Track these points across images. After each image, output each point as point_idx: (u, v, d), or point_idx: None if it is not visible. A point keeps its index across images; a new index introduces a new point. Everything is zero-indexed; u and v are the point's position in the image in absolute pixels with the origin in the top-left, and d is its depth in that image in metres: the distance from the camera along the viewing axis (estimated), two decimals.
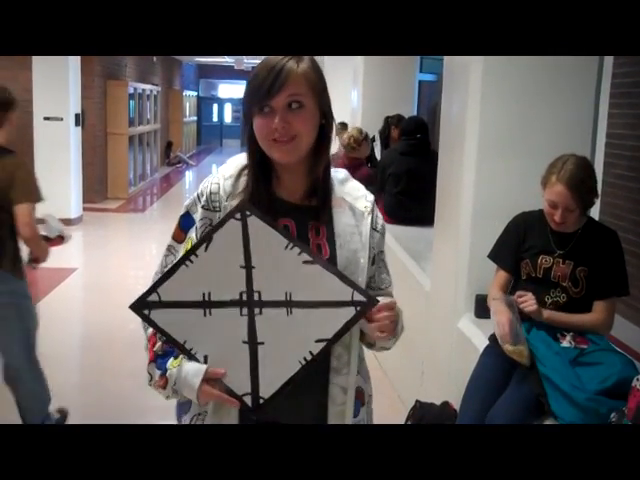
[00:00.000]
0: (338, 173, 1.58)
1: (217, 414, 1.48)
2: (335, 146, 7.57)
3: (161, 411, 1.53)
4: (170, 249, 1.54)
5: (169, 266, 1.48)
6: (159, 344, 1.48)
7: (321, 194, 1.51)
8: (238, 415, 1.46)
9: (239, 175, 1.50)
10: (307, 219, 1.50)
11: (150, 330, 1.50)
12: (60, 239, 3.37)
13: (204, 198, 1.49)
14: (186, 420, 1.55)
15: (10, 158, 3.15)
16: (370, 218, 1.55)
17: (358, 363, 1.54)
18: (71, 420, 3.62)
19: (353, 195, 1.56)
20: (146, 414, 3.74)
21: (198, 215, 1.50)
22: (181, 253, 1.49)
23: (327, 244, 1.50)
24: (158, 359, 1.48)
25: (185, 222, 1.52)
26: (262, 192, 1.48)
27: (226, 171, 1.52)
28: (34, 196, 3.14)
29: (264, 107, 1.42)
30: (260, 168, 1.49)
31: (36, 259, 3.22)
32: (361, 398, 1.58)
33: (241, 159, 1.53)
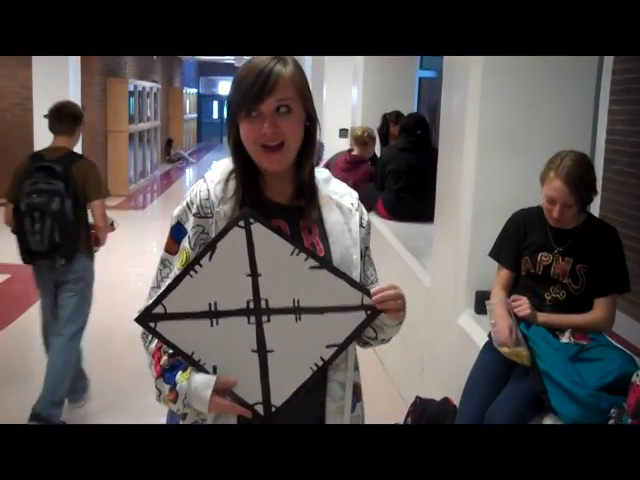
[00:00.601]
0: (320, 173, 1.59)
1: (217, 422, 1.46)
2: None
3: (162, 408, 1.53)
4: (164, 262, 1.51)
5: (165, 279, 1.47)
6: (165, 358, 1.46)
7: (308, 193, 1.52)
8: (237, 421, 1.45)
9: (227, 179, 1.49)
10: (298, 219, 1.51)
11: (153, 345, 1.48)
12: (112, 227, 3.87)
13: (195, 206, 1.47)
14: None
15: (83, 161, 3.66)
16: (358, 215, 1.56)
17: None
18: (72, 417, 3.63)
19: (338, 193, 1.58)
20: (147, 410, 3.73)
21: (190, 224, 1.48)
22: (176, 265, 1.48)
23: (320, 242, 1.50)
24: (166, 373, 1.45)
25: (177, 233, 1.50)
26: (252, 195, 1.48)
27: (213, 177, 1.51)
28: (105, 192, 3.75)
29: (252, 111, 1.42)
30: (246, 172, 1.49)
31: (97, 242, 3.76)
32: (357, 393, 1.58)
33: (225, 163, 1.53)
